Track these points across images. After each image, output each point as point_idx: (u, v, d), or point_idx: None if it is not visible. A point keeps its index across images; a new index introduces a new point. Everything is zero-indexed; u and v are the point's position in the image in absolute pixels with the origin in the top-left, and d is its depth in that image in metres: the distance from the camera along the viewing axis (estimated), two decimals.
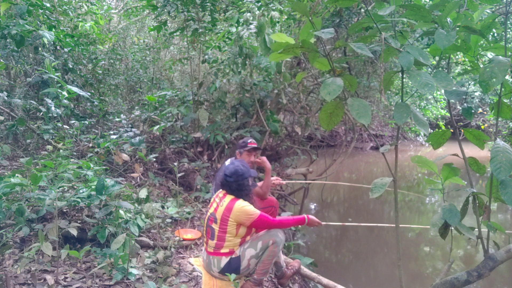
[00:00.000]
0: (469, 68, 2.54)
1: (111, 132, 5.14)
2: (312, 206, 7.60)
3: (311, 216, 2.84)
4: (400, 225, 2.41)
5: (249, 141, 3.48)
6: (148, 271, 2.87)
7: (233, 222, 2.56)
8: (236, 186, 2.64)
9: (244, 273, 2.67)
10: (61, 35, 5.46)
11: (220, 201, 2.67)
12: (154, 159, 5.05)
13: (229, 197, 2.64)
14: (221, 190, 2.77)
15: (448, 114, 10.03)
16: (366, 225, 3.37)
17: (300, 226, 4.77)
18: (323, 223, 2.92)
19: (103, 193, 2.95)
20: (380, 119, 13.34)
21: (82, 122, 5.19)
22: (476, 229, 2.32)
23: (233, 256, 2.61)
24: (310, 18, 1.97)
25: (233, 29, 5.23)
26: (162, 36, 7.57)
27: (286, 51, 2.03)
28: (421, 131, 10.61)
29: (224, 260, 2.61)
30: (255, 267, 2.67)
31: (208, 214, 2.73)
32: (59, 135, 4.77)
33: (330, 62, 2.07)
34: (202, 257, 2.82)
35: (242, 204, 2.58)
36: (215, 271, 2.66)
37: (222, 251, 2.61)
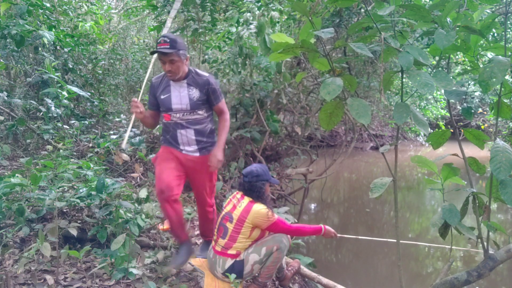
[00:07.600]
0: (469, 68, 2.54)
1: (111, 132, 5.13)
2: (312, 206, 7.60)
3: (327, 227, 2.81)
4: (405, 241, 2.41)
5: (158, 41, 2.55)
6: (148, 271, 2.87)
7: (249, 224, 2.56)
8: (248, 186, 2.64)
9: (246, 277, 2.67)
10: (61, 35, 5.46)
11: (238, 202, 2.67)
12: None
13: (247, 199, 2.64)
14: (237, 191, 2.77)
15: (448, 114, 10.02)
16: (380, 240, 3.37)
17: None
18: (338, 235, 2.89)
19: (103, 192, 2.95)
20: (380, 119, 13.32)
21: (82, 122, 5.19)
22: (476, 229, 2.33)
23: (238, 259, 2.61)
24: (310, 18, 1.97)
25: (233, 29, 5.22)
26: None
27: (286, 51, 2.03)
28: (421, 131, 10.61)
29: (229, 262, 2.62)
30: (259, 272, 2.68)
31: (223, 212, 2.72)
32: (59, 135, 4.77)
33: (330, 62, 2.07)
34: (208, 256, 2.81)
35: (260, 207, 2.58)
36: (219, 271, 2.66)
37: (229, 252, 2.61)
